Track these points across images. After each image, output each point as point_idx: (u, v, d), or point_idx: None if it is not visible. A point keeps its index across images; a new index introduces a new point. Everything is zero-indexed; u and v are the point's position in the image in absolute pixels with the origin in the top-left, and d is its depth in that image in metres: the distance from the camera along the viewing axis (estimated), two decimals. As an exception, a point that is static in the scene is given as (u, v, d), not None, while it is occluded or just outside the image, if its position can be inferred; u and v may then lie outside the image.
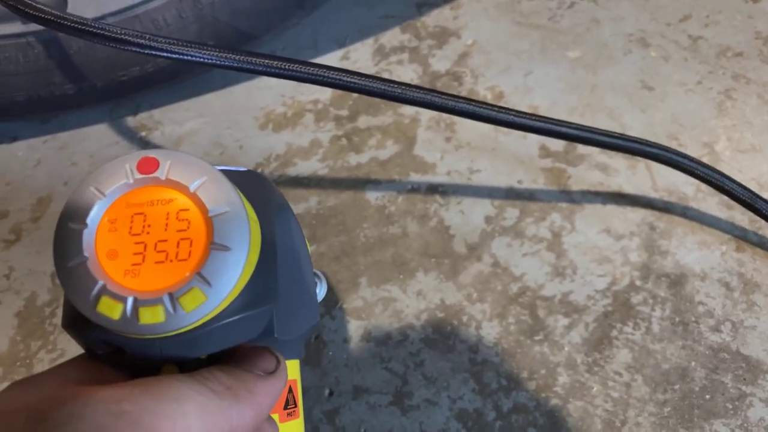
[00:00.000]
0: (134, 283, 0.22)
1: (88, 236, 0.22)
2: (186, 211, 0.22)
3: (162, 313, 0.21)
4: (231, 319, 0.23)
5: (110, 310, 0.21)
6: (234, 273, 0.22)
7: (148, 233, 0.22)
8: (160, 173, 0.23)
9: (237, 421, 0.21)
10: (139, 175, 0.23)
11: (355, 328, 0.50)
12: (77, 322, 0.23)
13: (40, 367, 0.52)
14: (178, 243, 0.22)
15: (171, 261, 0.22)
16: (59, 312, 0.54)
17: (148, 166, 0.23)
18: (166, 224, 0.22)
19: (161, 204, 0.23)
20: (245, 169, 0.29)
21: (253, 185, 0.28)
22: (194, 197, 0.23)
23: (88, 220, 0.22)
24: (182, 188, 0.23)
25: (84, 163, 0.64)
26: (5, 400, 0.21)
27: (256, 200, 0.26)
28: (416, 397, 0.47)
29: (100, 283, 0.21)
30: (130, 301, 0.21)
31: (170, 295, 0.21)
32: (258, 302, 0.24)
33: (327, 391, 0.48)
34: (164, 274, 0.22)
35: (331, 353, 0.49)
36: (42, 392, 0.21)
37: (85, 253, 0.22)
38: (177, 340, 0.22)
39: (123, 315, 0.21)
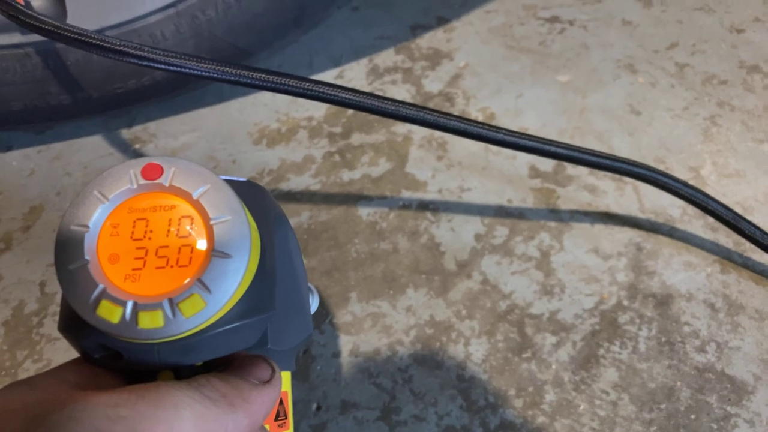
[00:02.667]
0: (134, 288, 0.22)
1: (90, 240, 0.22)
2: (188, 218, 0.23)
3: (161, 318, 0.21)
4: (229, 327, 0.23)
5: (110, 313, 0.21)
6: (234, 280, 0.22)
7: (149, 239, 0.22)
8: (164, 180, 0.23)
9: (232, 429, 0.21)
10: (143, 181, 0.23)
11: (344, 343, 0.51)
12: (74, 326, 0.23)
13: (25, 377, 0.51)
14: (179, 249, 0.22)
15: (172, 267, 0.22)
16: (47, 322, 0.54)
17: (152, 173, 0.23)
18: (168, 230, 0.22)
19: (164, 210, 0.23)
20: (245, 179, 0.30)
21: (253, 196, 0.28)
22: (197, 204, 0.23)
23: (91, 224, 0.22)
24: (185, 195, 0.23)
25: (78, 173, 0.64)
26: (2, 400, 0.21)
27: (255, 210, 0.26)
28: (404, 412, 0.47)
29: (101, 286, 0.21)
30: (129, 305, 0.21)
31: (170, 300, 0.21)
32: (255, 311, 0.24)
33: (315, 406, 0.48)
34: (164, 279, 0.22)
35: (319, 367, 0.49)
36: (39, 394, 0.21)
37: (87, 257, 0.22)
38: (174, 346, 0.22)
39: (122, 319, 0.21)
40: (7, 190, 0.63)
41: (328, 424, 0.47)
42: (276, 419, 0.29)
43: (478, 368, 0.49)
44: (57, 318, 0.54)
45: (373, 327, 0.51)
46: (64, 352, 0.52)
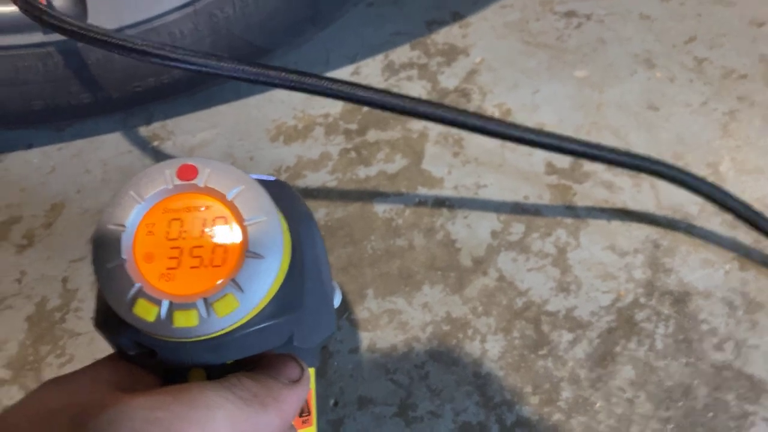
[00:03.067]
0: (169, 287, 0.22)
1: (127, 239, 0.23)
2: (222, 219, 0.23)
3: (195, 318, 0.21)
4: (260, 326, 0.24)
5: (146, 312, 0.21)
6: (267, 281, 0.22)
7: (184, 238, 0.23)
8: (199, 181, 0.23)
9: (264, 428, 0.22)
10: (178, 182, 0.23)
11: (360, 339, 0.51)
12: (110, 322, 0.23)
13: (48, 371, 0.52)
14: (213, 249, 0.22)
15: (206, 267, 0.22)
16: (69, 317, 0.55)
17: (187, 173, 0.23)
18: (203, 231, 0.23)
19: (198, 210, 0.23)
20: (274, 178, 0.30)
21: (282, 195, 0.28)
22: (231, 205, 0.23)
23: (127, 224, 0.23)
24: (220, 196, 0.23)
25: (97, 171, 0.65)
26: (44, 399, 0.21)
27: (285, 210, 0.26)
28: (420, 408, 0.47)
29: (137, 285, 0.22)
30: (165, 304, 0.22)
31: (204, 300, 0.22)
32: (286, 310, 0.25)
33: (332, 401, 0.48)
34: (198, 279, 0.22)
35: (336, 363, 0.50)
36: (79, 395, 0.21)
37: (123, 255, 0.22)
38: (207, 345, 0.23)
39: (158, 318, 0.21)
40: (28, 187, 0.64)
41: (346, 420, 0.47)
42: (300, 415, 0.30)
43: (494, 365, 0.49)
44: (79, 314, 0.55)
45: (390, 323, 0.52)
46: (86, 346, 0.53)
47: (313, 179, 0.61)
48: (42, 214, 0.62)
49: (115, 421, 0.19)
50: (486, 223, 0.57)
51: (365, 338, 0.51)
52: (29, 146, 0.68)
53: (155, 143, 0.66)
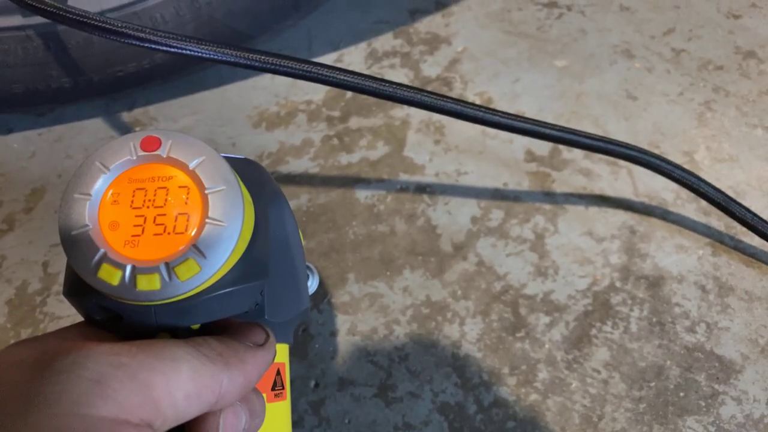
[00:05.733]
0: (133, 253, 0.23)
1: (92, 207, 0.23)
2: (184, 188, 0.24)
3: (158, 281, 0.22)
4: (222, 291, 0.24)
5: (110, 276, 0.22)
6: (227, 247, 0.23)
7: (148, 207, 0.23)
8: (162, 151, 0.24)
9: (226, 385, 0.22)
10: (142, 153, 0.24)
11: (341, 322, 0.52)
12: (78, 290, 0.24)
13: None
14: (176, 217, 0.23)
15: (169, 233, 0.23)
16: (50, 301, 0.55)
17: (151, 145, 0.24)
18: (166, 199, 0.24)
19: (161, 180, 0.24)
20: (243, 156, 0.31)
21: (250, 171, 0.29)
22: (193, 175, 0.24)
23: (93, 192, 0.23)
24: (182, 166, 0.24)
25: (79, 156, 0.65)
26: (9, 353, 0.22)
27: (252, 185, 0.27)
28: (400, 389, 0.48)
29: (102, 251, 0.23)
30: (128, 268, 0.22)
31: (166, 264, 0.22)
32: (249, 277, 0.25)
33: (313, 383, 0.49)
34: (162, 245, 0.23)
35: (317, 346, 0.50)
36: (44, 347, 0.22)
37: (88, 223, 0.23)
38: (171, 308, 0.24)
39: (121, 281, 0.22)
40: (8, 172, 0.64)
41: (326, 401, 0.48)
42: (273, 389, 0.30)
43: (472, 347, 0.50)
44: (60, 297, 0.55)
45: (371, 307, 0.52)
46: (67, 330, 0.53)
47: (296, 165, 0.62)
48: (22, 198, 0.62)
49: (79, 363, 0.20)
50: (466, 210, 0.57)
51: (346, 321, 0.52)
52: (9, 131, 0.67)
53: (137, 129, 0.66)
